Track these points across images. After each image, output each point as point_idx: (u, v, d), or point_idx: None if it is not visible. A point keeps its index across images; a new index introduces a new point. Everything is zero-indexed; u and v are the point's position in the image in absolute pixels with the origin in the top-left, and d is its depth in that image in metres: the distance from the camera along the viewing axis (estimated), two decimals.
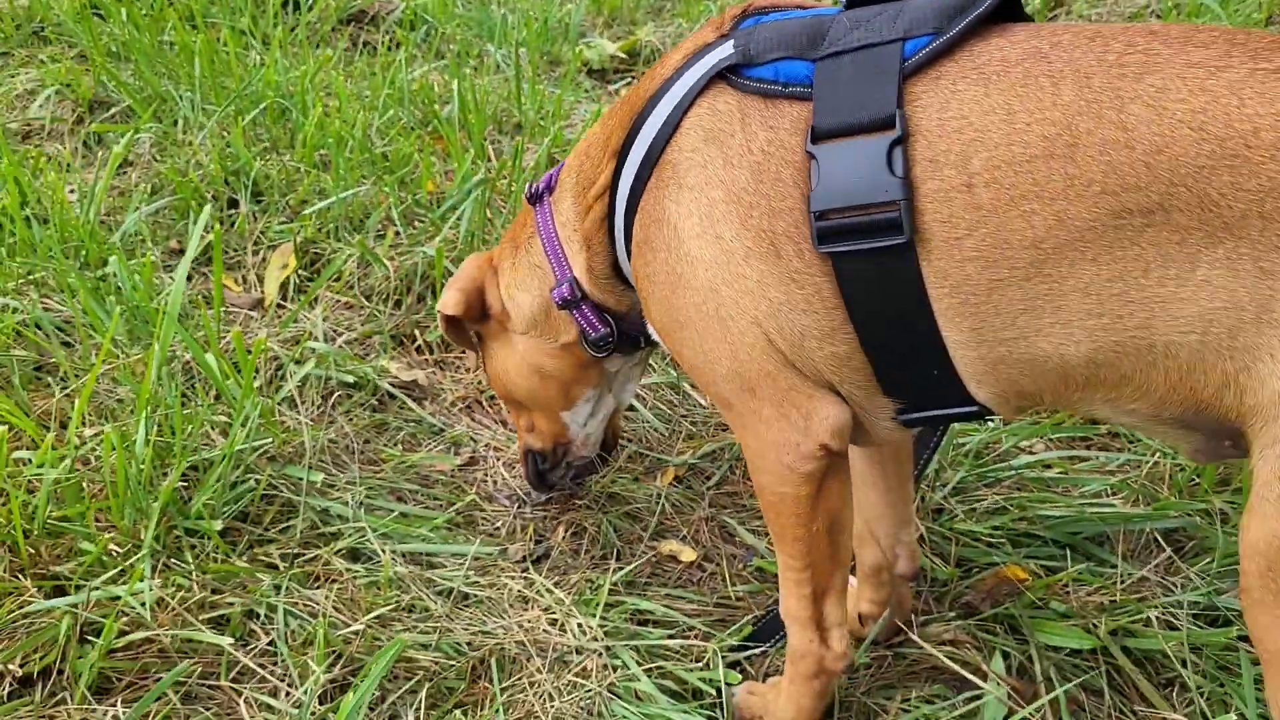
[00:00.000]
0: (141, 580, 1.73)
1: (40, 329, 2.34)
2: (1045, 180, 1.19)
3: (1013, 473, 2.16)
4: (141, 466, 1.87)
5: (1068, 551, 1.99)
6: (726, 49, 1.42)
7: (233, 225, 2.83)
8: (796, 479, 1.45)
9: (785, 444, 1.44)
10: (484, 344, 1.93)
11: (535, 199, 1.75)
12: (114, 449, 1.81)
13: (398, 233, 2.79)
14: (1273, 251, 1.10)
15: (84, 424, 2.06)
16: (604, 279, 1.68)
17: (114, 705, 1.61)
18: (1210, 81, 1.12)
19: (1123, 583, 1.90)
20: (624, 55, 4.21)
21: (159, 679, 1.63)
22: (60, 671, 1.65)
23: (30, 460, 1.91)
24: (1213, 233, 1.12)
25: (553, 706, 1.65)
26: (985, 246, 1.23)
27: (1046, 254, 1.20)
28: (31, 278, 2.49)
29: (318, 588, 1.85)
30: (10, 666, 1.62)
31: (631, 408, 2.40)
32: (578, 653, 1.76)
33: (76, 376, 2.21)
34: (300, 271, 2.70)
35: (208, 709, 1.63)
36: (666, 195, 1.44)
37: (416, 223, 2.88)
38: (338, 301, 2.63)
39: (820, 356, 1.38)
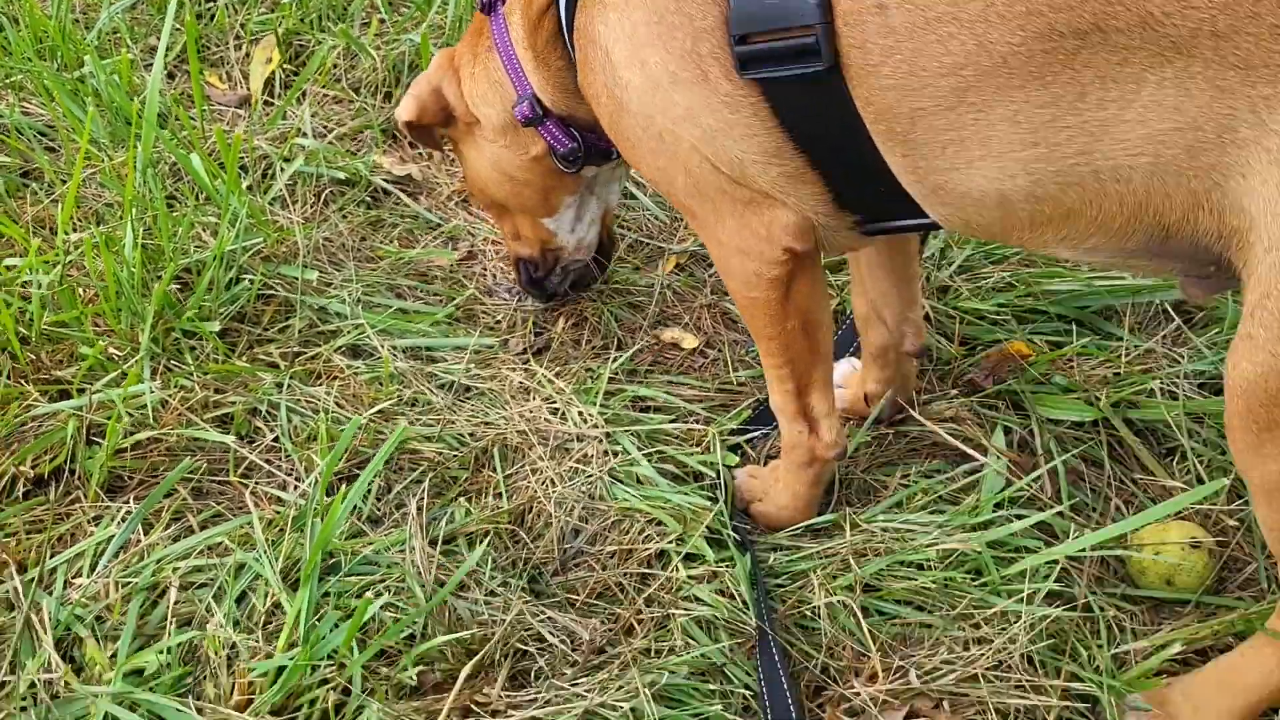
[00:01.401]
0: (139, 382, 1.74)
1: (22, 134, 2.28)
2: (963, 0, 1.07)
3: (1020, 248, 2.10)
4: (133, 270, 1.85)
5: (1074, 326, 1.95)
6: None
7: (212, 19, 2.71)
8: (764, 284, 1.43)
9: (750, 251, 1.41)
10: (456, 148, 1.86)
11: (488, 8, 1.65)
12: (98, 253, 1.78)
13: (383, 20, 2.67)
14: (1229, 70, 0.98)
15: (73, 229, 2.04)
16: (571, 93, 1.58)
17: (127, 501, 1.65)
18: None
19: (1128, 355, 1.88)
20: None
21: (168, 476, 1.66)
22: (72, 472, 1.68)
23: (20, 267, 1.89)
24: (1159, 52, 1.00)
25: (555, 491, 1.68)
26: (902, 74, 1.13)
27: (968, 81, 1.10)
28: (9, 81, 2.41)
29: (319, 385, 1.86)
30: (22, 468, 1.66)
31: (631, 196, 2.34)
32: (578, 440, 1.77)
33: (63, 182, 2.16)
34: (285, 65, 2.60)
35: (218, 503, 1.67)
36: (595, 16, 1.34)
37: (402, 9, 2.75)
38: (325, 96, 2.54)
39: (766, 179, 1.32)
